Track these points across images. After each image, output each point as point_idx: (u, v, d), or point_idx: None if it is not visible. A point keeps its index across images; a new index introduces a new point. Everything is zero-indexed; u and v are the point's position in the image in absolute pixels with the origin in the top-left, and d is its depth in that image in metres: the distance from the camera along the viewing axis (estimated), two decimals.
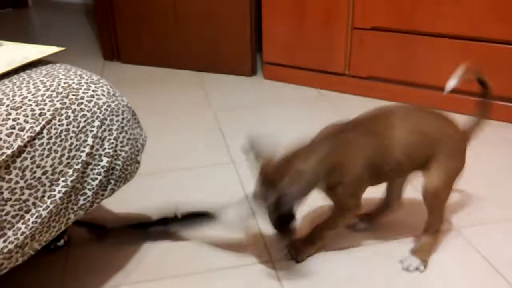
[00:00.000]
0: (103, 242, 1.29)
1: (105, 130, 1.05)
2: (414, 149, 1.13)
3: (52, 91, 1.00)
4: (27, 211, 0.91)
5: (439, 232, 1.22)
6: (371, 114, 1.18)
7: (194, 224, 1.31)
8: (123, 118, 1.09)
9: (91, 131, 1.02)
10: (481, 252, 1.24)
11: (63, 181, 0.96)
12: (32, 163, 0.91)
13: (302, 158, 1.07)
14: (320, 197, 1.15)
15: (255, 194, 1.10)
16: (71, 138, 0.98)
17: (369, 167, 1.11)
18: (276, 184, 1.05)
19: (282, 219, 1.09)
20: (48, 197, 0.94)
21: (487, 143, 1.78)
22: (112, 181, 1.07)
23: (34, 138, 0.92)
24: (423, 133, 1.13)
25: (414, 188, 1.35)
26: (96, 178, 1.03)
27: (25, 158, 0.90)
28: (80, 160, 0.99)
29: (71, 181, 0.97)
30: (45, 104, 0.96)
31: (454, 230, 1.33)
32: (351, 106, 2.12)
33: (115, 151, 1.07)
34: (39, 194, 0.92)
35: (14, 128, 0.90)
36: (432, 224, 1.20)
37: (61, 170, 0.96)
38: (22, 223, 0.90)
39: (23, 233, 0.90)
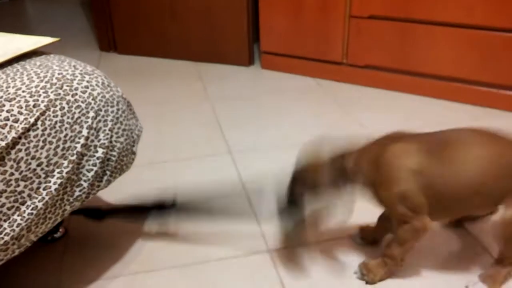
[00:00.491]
0: (100, 223, 1.29)
1: (100, 121, 1.04)
2: (489, 181, 0.99)
3: (46, 82, 0.99)
4: (23, 203, 0.90)
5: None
6: (444, 133, 1.05)
7: (189, 213, 1.31)
8: (118, 109, 1.09)
9: (86, 122, 1.01)
10: (481, 243, 1.24)
11: (58, 173, 0.96)
12: (27, 154, 0.91)
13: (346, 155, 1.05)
14: None
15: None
16: (65, 129, 0.98)
17: (421, 185, 1.00)
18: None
19: (290, 202, 1.08)
20: (44, 189, 0.93)
21: None
22: (108, 172, 1.07)
23: (28, 130, 0.91)
24: (502, 164, 0.98)
25: None
26: (92, 169, 1.03)
27: (20, 150, 0.90)
28: (75, 152, 0.99)
29: (67, 172, 0.97)
30: (39, 96, 0.96)
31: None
32: (349, 95, 2.11)
33: (111, 142, 1.06)
34: (35, 185, 0.92)
35: (8, 119, 0.89)
36: (509, 256, 1.07)
37: (56, 162, 0.96)
38: (18, 215, 0.90)
39: (19, 224, 0.90)
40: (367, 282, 1.12)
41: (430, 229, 1.04)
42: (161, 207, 1.31)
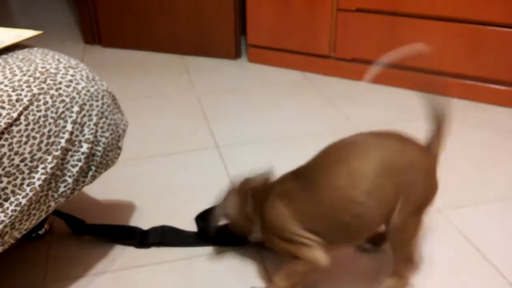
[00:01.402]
0: (80, 236, 1.26)
1: (84, 115, 1.02)
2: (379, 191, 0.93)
3: (29, 76, 0.97)
4: (6, 199, 0.89)
5: (407, 279, 1.04)
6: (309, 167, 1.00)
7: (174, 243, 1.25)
8: (103, 103, 1.07)
9: (70, 116, 1.00)
10: (463, 234, 1.25)
11: (42, 168, 0.94)
12: (10, 150, 0.89)
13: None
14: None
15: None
16: (49, 124, 0.96)
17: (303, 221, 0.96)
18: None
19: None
20: (27, 185, 0.92)
21: (471, 125, 1.79)
22: (93, 168, 1.05)
23: (11, 125, 0.89)
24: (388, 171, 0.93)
25: None
26: (77, 165, 1.01)
27: (2, 145, 0.88)
28: (59, 147, 0.97)
29: (51, 168, 0.95)
30: (22, 90, 0.94)
31: (436, 212, 1.34)
32: (336, 89, 2.11)
33: (96, 137, 1.05)
34: (18, 181, 0.90)
35: None
36: (399, 269, 1.03)
37: (40, 157, 0.94)
38: (1, 212, 0.88)
39: (2, 221, 0.88)
40: None
41: (325, 263, 0.97)
42: (142, 240, 1.24)
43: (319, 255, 0.96)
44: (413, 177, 0.94)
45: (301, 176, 0.98)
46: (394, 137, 0.98)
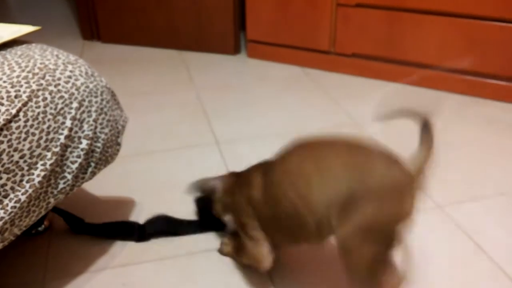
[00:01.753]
0: (78, 235, 1.26)
1: (83, 112, 1.02)
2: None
3: (28, 72, 0.96)
4: (5, 196, 0.88)
5: None
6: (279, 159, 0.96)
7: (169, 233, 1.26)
8: (102, 99, 1.07)
9: (69, 113, 0.99)
10: (463, 229, 1.25)
11: (41, 165, 0.94)
12: (9, 146, 0.88)
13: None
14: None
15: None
16: (48, 120, 0.95)
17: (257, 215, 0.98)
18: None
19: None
20: (27, 181, 0.91)
21: (470, 120, 1.79)
22: (93, 164, 1.05)
23: (10, 121, 0.89)
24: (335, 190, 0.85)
25: None
26: (76, 161, 1.01)
27: (1, 142, 0.87)
28: (58, 143, 0.97)
29: (50, 164, 0.95)
30: (21, 86, 0.93)
31: (436, 207, 1.34)
32: (336, 84, 2.11)
33: (95, 133, 1.04)
34: (17, 178, 0.90)
35: None
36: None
37: (40, 154, 0.93)
38: (1, 208, 0.88)
39: (1, 218, 0.88)
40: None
41: (266, 261, 0.98)
42: (141, 234, 1.24)
43: (264, 253, 0.98)
44: (369, 191, 0.82)
45: (266, 168, 0.98)
46: (375, 152, 0.87)
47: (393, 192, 0.83)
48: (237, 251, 1.10)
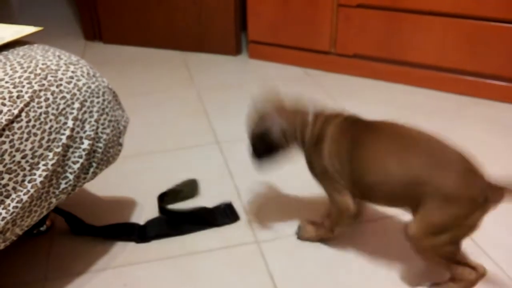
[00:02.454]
0: (78, 235, 1.26)
1: (85, 112, 1.02)
2: (389, 182, 0.99)
3: (30, 72, 0.97)
4: (7, 196, 0.89)
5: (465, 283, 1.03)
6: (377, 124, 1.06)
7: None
8: (103, 100, 1.07)
9: (71, 113, 1.00)
10: None
11: (43, 165, 0.94)
12: (11, 147, 0.89)
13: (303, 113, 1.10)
14: None
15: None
16: (50, 120, 0.96)
17: (338, 165, 1.04)
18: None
19: (264, 149, 1.12)
20: (29, 182, 0.92)
21: (470, 121, 1.79)
22: (94, 164, 1.05)
23: (12, 122, 0.89)
24: (407, 168, 0.97)
25: None
26: (78, 161, 1.01)
27: (4, 142, 0.88)
28: (60, 143, 0.97)
29: (52, 164, 0.95)
30: (23, 86, 0.94)
31: None
32: (337, 85, 2.11)
33: (96, 133, 1.05)
34: (19, 178, 0.91)
35: None
36: (451, 272, 1.03)
37: (41, 154, 0.94)
38: (3, 208, 0.88)
39: (3, 218, 0.88)
40: (298, 237, 1.23)
41: (353, 211, 1.07)
42: (142, 236, 1.25)
43: (349, 201, 1.06)
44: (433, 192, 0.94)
45: (354, 129, 1.05)
46: (465, 161, 0.98)
47: (463, 201, 0.93)
48: (324, 223, 1.17)
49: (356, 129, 1.05)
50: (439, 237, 0.95)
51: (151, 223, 1.27)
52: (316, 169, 1.09)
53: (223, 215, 1.30)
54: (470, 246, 1.19)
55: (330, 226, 1.17)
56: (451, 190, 0.92)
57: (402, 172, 0.96)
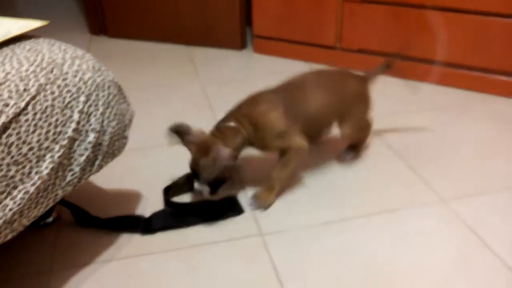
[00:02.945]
0: (84, 227, 1.27)
1: (91, 105, 1.04)
2: (326, 108, 1.35)
3: (36, 66, 0.98)
4: (15, 187, 0.90)
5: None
6: (292, 81, 1.37)
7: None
8: (109, 93, 1.08)
9: (77, 106, 1.01)
10: (468, 224, 1.25)
11: (50, 157, 0.95)
12: (18, 139, 0.90)
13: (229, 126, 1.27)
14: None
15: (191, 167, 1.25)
16: (56, 113, 0.97)
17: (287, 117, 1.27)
18: (209, 151, 1.20)
19: (216, 181, 1.25)
20: (35, 173, 0.93)
21: (476, 116, 1.79)
22: (100, 157, 1.07)
23: (19, 114, 0.91)
24: (331, 93, 1.36)
25: None
26: (83, 154, 1.02)
27: (11, 135, 0.89)
28: (66, 136, 0.98)
29: (58, 157, 0.96)
30: (29, 80, 0.95)
31: (440, 201, 1.34)
32: None
33: (102, 126, 1.06)
34: (26, 170, 0.92)
35: None
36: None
37: (48, 146, 0.95)
38: (10, 199, 0.89)
39: (11, 209, 0.90)
40: (263, 209, 1.32)
41: (306, 147, 1.30)
42: (147, 228, 1.26)
43: (303, 140, 1.30)
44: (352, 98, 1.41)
45: (279, 91, 1.32)
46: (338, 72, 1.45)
47: (364, 94, 1.47)
48: (286, 165, 1.31)
49: (289, 92, 1.32)
50: (365, 120, 1.47)
51: (156, 215, 1.28)
52: (273, 137, 1.26)
53: (227, 208, 1.31)
54: (474, 242, 1.20)
55: (288, 175, 1.33)
56: (359, 90, 1.43)
57: (329, 99, 1.35)
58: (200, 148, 1.23)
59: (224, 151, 1.19)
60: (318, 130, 1.38)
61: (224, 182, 1.29)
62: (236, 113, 1.30)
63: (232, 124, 1.27)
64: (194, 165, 1.24)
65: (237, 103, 1.33)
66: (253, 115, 1.27)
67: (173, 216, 1.28)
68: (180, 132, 1.27)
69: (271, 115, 1.26)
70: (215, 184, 1.26)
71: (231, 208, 1.31)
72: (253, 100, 1.31)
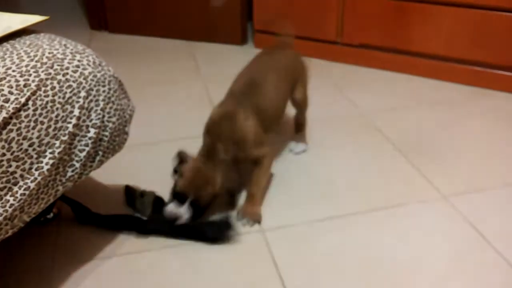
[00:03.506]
0: (83, 224, 1.27)
1: (91, 100, 1.03)
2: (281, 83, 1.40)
3: (36, 61, 0.97)
4: (15, 183, 0.90)
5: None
6: (241, 81, 1.41)
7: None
8: (109, 89, 1.08)
9: (77, 102, 1.00)
10: (469, 220, 1.25)
11: (50, 153, 0.95)
12: (18, 135, 0.90)
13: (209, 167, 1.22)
14: None
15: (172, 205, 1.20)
16: (57, 109, 0.97)
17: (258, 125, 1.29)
18: (204, 180, 1.19)
19: (202, 208, 1.22)
20: (36, 169, 0.93)
21: (478, 112, 1.79)
22: (100, 153, 1.06)
23: (19, 110, 0.90)
24: (281, 72, 1.41)
25: None
26: (84, 150, 1.02)
27: (11, 130, 0.89)
28: (67, 132, 0.98)
29: (59, 152, 0.96)
30: (30, 75, 0.94)
31: (441, 197, 1.34)
32: (343, 75, 2.11)
33: (103, 122, 1.05)
34: (27, 166, 0.92)
35: None
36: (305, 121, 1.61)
37: (48, 142, 0.95)
38: (10, 195, 0.89)
39: (11, 205, 0.89)
40: (259, 223, 1.27)
41: (273, 152, 1.39)
42: (142, 230, 1.25)
43: (272, 150, 1.34)
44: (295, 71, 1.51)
45: (241, 96, 1.34)
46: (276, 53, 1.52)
47: (303, 65, 1.59)
48: (264, 175, 1.32)
49: (250, 93, 1.33)
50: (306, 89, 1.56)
51: (152, 219, 1.25)
52: (254, 147, 1.26)
53: (217, 230, 1.23)
54: (475, 238, 1.20)
55: (268, 180, 1.37)
56: (299, 59, 1.55)
57: (283, 80, 1.42)
58: (195, 175, 1.20)
59: (218, 181, 1.20)
60: (281, 114, 1.42)
61: (206, 210, 1.24)
62: (221, 139, 1.24)
63: (222, 156, 1.23)
64: (185, 189, 1.19)
65: (212, 123, 1.30)
66: (235, 134, 1.24)
67: (169, 224, 1.23)
68: (182, 160, 1.26)
69: (249, 125, 1.26)
70: (200, 210, 1.21)
71: (221, 232, 1.23)
72: (229, 118, 1.27)
